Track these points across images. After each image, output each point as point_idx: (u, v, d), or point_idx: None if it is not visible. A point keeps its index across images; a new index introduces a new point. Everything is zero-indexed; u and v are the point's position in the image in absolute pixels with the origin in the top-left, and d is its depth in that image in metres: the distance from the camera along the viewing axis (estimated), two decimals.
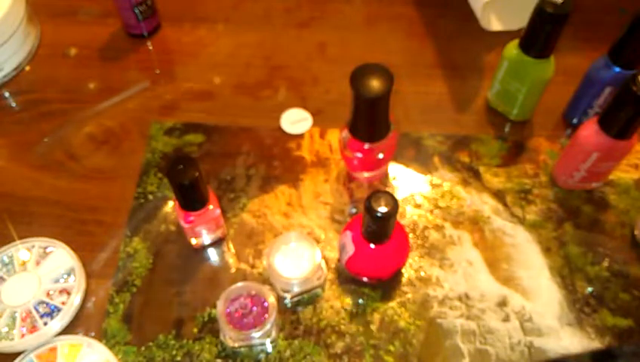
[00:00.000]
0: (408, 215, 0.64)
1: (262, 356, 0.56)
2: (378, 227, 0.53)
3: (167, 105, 0.73)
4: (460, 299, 0.59)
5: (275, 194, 0.66)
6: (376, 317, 0.58)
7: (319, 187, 0.66)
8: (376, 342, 0.57)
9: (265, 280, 0.60)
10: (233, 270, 0.61)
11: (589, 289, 0.59)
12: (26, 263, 0.60)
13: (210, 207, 0.58)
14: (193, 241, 0.62)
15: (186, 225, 0.58)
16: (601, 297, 0.59)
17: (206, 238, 0.62)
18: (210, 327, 0.58)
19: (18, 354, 0.56)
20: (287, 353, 0.56)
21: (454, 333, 0.57)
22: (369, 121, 0.58)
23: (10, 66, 0.76)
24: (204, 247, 0.63)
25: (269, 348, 0.57)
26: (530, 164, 0.67)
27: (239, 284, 0.57)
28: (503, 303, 0.59)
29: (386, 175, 0.67)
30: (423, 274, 0.61)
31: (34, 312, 0.57)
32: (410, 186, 0.66)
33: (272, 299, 0.56)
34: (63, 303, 0.58)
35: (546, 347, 0.56)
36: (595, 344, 0.57)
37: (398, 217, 0.54)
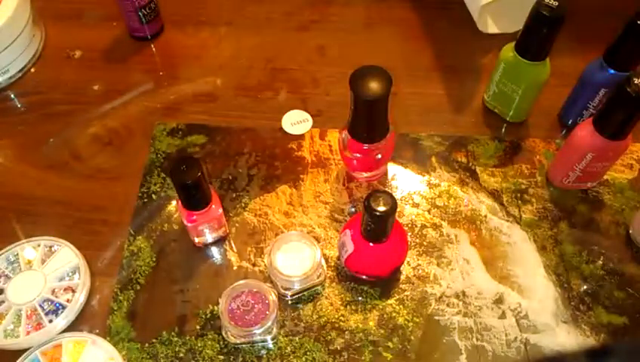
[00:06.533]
0: (407, 214, 0.65)
1: (263, 352, 0.57)
2: (377, 226, 0.54)
3: (170, 107, 0.74)
4: (457, 296, 0.60)
5: (276, 194, 0.67)
6: (375, 314, 0.59)
7: (319, 187, 0.67)
8: (375, 338, 0.58)
9: (266, 278, 0.61)
10: (235, 268, 0.62)
11: (584, 286, 0.60)
12: (32, 261, 0.61)
13: (213, 206, 0.59)
14: (196, 240, 0.62)
15: (188, 224, 0.59)
16: (596, 295, 0.60)
17: (208, 237, 0.62)
18: (213, 324, 0.58)
19: (23, 351, 0.56)
20: (288, 349, 0.57)
21: (452, 330, 0.58)
22: (368, 122, 0.59)
23: (16, 68, 0.77)
24: (206, 246, 0.63)
25: (270, 344, 0.57)
26: (526, 165, 0.68)
27: (241, 282, 0.57)
28: (499, 301, 0.60)
29: (384, 175, 0.68)
30: (420, 272, 0.61)
31: (39, 310, 0.58)
32: (409, 186, 0.67)
33: (273, 297, 0.56)
34: (68, 301, 0.59)
35: (541, 343, 0.57)
36: (590, 341, 0.57)
37: (396, 216, 0.55)
